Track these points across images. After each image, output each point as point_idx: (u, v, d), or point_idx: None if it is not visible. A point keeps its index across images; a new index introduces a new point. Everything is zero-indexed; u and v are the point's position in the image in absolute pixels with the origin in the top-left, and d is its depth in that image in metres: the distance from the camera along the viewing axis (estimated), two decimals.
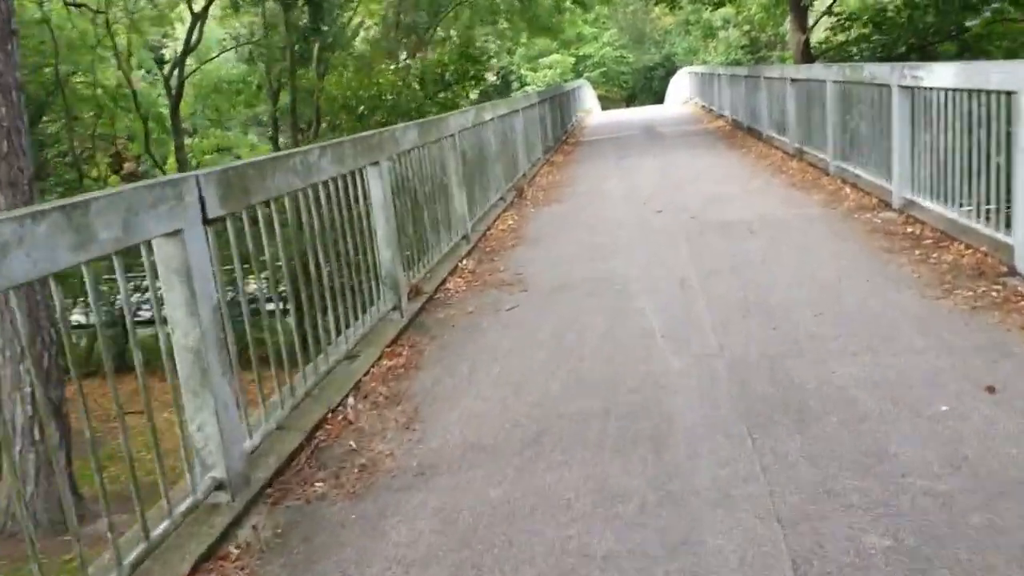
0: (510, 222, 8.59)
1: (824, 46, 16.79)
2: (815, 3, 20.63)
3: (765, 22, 22.11)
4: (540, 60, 46.38)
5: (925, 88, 5.89)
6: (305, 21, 16.71)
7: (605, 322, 4.75)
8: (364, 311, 4.61)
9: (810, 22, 16.37)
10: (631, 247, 6.75)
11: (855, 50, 15.16)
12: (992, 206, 4.93)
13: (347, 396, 3.89)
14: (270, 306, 3.72)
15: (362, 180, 4.84)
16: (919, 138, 6.14)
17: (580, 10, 26.86)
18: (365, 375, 4.16)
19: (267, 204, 3.47)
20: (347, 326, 4.32)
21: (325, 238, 4.09)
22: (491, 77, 48.16)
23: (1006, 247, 4.76)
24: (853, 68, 7.81)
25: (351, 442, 3.44)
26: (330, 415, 3.69)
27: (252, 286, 4.26)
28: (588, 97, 30.60)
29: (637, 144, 15.89)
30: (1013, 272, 4.59)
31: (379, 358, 4.40)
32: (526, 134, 12.15)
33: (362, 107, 17.29)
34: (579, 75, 46.84)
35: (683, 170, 11.14)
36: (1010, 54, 14.84)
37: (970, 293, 4.47)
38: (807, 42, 15.87)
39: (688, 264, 5.91)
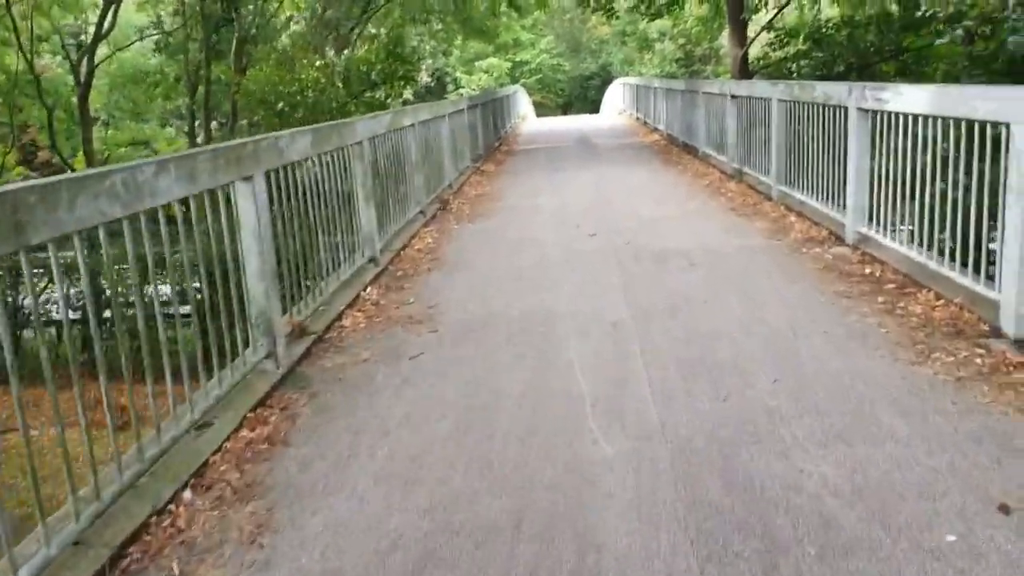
0: (429, 240, 7.74)
1: (762, 62, 16.39)
2: (753, 18, 20.37)
3: (702, 35, 21.77)
4: (476, 63, 45.60)
5: (890, 112, 5.27)
6: (220, 11, 15.55)
7: (526, 380, 3.95)
8: (223, 366, 3.71)
9: (748, 36, 15.94)
10: (561, 277, 5.98)
11: (794, 67, 14.77)
12: (970, 254, 4.30)
13: (184, 487, 2.99)
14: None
15: (229, 200, 3.95)
16: (880, 168, 5.53)
17: (516, 15, 26.14)
18: (215, 453, 3.26)
19: (68, 240, 2.57)
20: (211, 377, 3.43)
21: (166, 278, 3.19)
22: (425, 78, 47.20)
23: (988, 302, 4.13)
24: (803, 86, 7.20)
25: (173, 565, 2.54)
26: (155, 517, 2.79)
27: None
28: (523, 103, 29.93)
29: (571, 155, 15.22)
30: (997, 333, 3.96)
31: (238, 427, 3.51)
32: (454, 141, 11.32)
33: (281, 103, 16.23)
34: (515, 80, 46.23)
35: (618, 186, 10.46)
36: (948, 77, 14.68)
37: (951, 358, 3.82)
38: (745, 57, 15.45)
39: (623, 301, 5.16)
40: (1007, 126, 3.75)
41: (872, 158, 5.72)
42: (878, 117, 5.54)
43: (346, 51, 21.15)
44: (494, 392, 3.82)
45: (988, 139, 3.99)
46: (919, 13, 6.94)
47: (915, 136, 4.90)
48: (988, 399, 3.38)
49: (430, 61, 46.16)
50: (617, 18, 20.44)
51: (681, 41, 48.32)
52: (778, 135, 8.00)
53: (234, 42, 18.49)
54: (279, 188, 4.59)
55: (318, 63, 17.01)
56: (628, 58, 49.81)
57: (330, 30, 17.74)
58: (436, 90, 47.61)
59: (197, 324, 3.68)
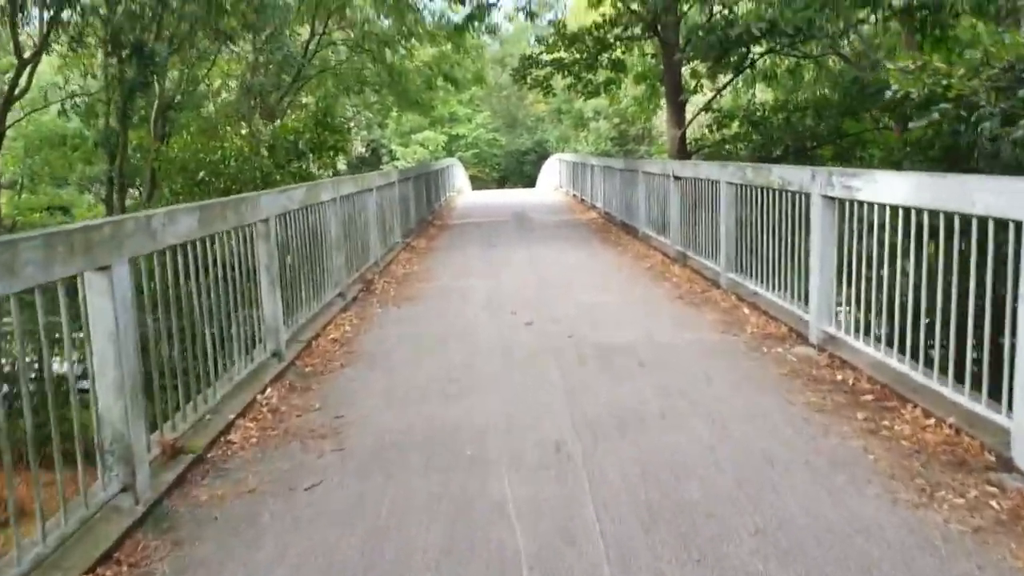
0: (347, 328, 6.92)
1: (700, 143, 16.27)
2: (691, 99, 20.48)
3: (638, 115, 21.77)
4: (412, 136, 45.43)
5: (861, 201, 4.76)
6: (135, 75, 14.70)
7: (446, 529, 3.14)
8: (58, 508, 2.83)
9: (686, 118, 15.81)
10: (493, 379, 5.22)
11: (731, 148, 14.63)
12: (967, 366, 3.71)
13: None
14: None
15: (79, 296, 3.13)
16: (849, 262, 4.98)
17: (453, 88, 26.00)
18: None
19: None
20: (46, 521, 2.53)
21: None
22: (360, 149, 46.78)
23: (993, 427, 3.53)
24: (757, 169, 6.73)
25: None
26: None
27: None
28: (459, 176, 29.57)
29: (506, 232, 14.66)
30: (1008, 465, 3.34)
31: None
32: (383, 215, 10.62)
33: (203, 172, 15.37)
34: (452, 154, 46.18)
35: (556, 268, 9.85)
36: (886, 163, 14.71)
37: (960, 500, 3.17)
38: (683, 138, 15.27)
39: (566, 412, 4.42)
40: (1019, 224, 3.20)
41: (839, 251, 5.19)
42: (847, 206, 5.03)
43: (276, 120, 20.46)
44: (404, 547, 3.00)
45: (990, 238, 3.43)
46: (888, 94, 6.56)
47: (893, 230, 4.36)
48: (1020, 560, 2.72)
49: (365, 132, 45.87)
50: (554, 95, 20.28)
51: (616, 120, 49.24)
52: (727, 220, 7.50)
53: (154, 108, 17.60)
54: (152, 277, 3.78)
55: (243, 131, 16.25)
56: (564, 135, 50.41)
57: (254, 98, 17.01)
58: (371, 161, 47.19)
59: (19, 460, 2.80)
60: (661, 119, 41.15)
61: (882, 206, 4.56)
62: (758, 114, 15.72)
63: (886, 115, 16.80)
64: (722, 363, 5.34)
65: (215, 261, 4.55)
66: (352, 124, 44.67)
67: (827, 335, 5.40)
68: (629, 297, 7.81)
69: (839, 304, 5.25)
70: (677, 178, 9.58)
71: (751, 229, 6.93)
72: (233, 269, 4.88)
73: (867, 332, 4.93)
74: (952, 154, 14.25)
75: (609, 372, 5.20)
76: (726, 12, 12.30)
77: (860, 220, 4.84)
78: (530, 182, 46.79)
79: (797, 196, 5.79)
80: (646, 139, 48.42)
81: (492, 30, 19.08)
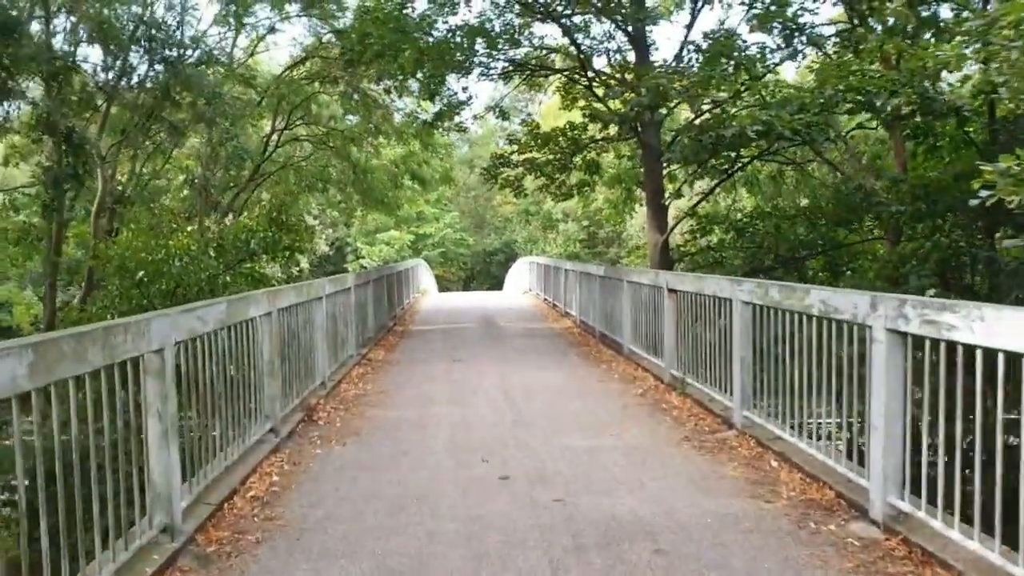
0: (275, 478, 5.49)
1: (682, 250, 15.31)
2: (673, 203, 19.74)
3: (612, 218, 20.95)
4: (378, 235, 44.51)
5: (955, 343, 3.55)
6: (68, 169, 13.47)
7: None
8: None
9: (668, 222, 14.88)
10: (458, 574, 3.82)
11: (717, 256, 13.65)
12: None
13: None
14: None
15: None
16: (932, 422, 3.74)
17: (420, 187, 25.13)
18: None
19: None
20: None
21: None
22: (324, 247, 45.68)
23: None
24: (786, 290, 5.54)
25: None
26: None
27: None
28: (425, 277, 28.43)
29: (474, 341, 13.36)
30: None
31: None
32: (333, 328, 9.29)
33: (142, 272, 14.01)
34: (418, 253, 45.25)
35: (533, 394, 8.52)
36: (882, 277, 13.81)
37: None
38: (666, 244, 14.28)
39: None
40: None
41: (913, 404, 3.96)
42: (927, 346, 3.82)
43: (232, 218, 19.27)
44: None
45: None
46: (976, 200, 5.46)
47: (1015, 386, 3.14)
48: None
49: (330, 231, 44.89)
50: (525, 196, 19.39)
51: (585, 222, 48.92)
52: (743, 347, 6.29)
53: (96, 201, 16.32)
54: None
55: (189, 229, 14.99)
56: (532, 236, 49.84)
57: (205, 194, 15.76)
58: (335, 260, 46.06)
59: None
60: (632, 223, 40.78)
61: (989, 351, 3.35)
62: (743, 221, 14.85)
63: (874, 226, 16.10)
64: (766, 554, 3.98)
65: (63, 420, 3.17)
66: (317, 222, 43.76)
67: (896, 510, 4.11)
68: (627, 439, 6.47)
69: (922, 476, 3.97)
70: (672, 291, 8.43)
71: (776, 361, 5.71)
72: (107, 419, 3.50)
73: (960, 512, 3.66)
74: (946, 267, 13.47)
75: (620, 570, 3.82)
76: (718, 111, 11.43)
77: (953, 368, 3.63)
78: (497, 283, 45.86)
79: (848, 327, 4.59)
80: (616, 242, 48.04)
81: (462, 128, 18.24)
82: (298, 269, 43.00)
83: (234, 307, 5.42)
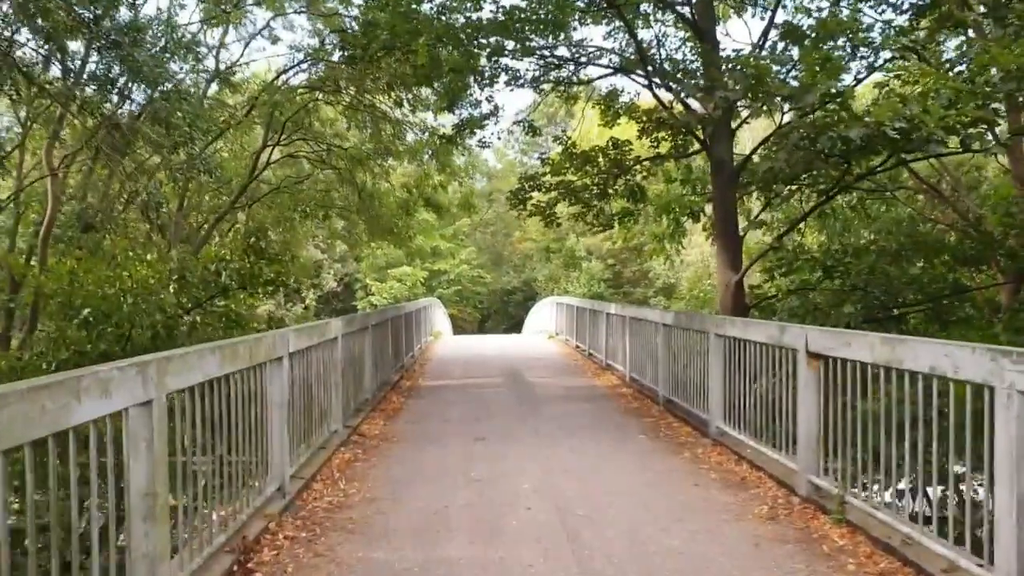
0: None
1: (758, 292, 12.36)
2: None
3: (658, 253, 18.08)
4: (389, 271, 41.76)
5: None
6: None
7: None
8: None
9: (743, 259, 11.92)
10: None
11: (815, 301, 10.68)
12: None
13: None
14: None
15: None
16: None
17: (435, 215, 22.36)
18: None
19: None
20: None
21: None
22: (332, 283, 42.98)
23: None
24: None
25: None
26: None
27: None
28: (438, 318, 25.53)
29: (500, 406, 10.42)
30: None
31: None
32: (304, 398, 6.43)
33: (88, 310, 11.22)
34: (432, 291, 42.48)
35: (601, 514, 5.55)
36: (1010, 329, 10.81)
37: None
38: (741, 285, 11.34)
39: None
40: None
41: None
42: None
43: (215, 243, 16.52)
44: None
45: None
46: None
47: None
48: None
49: (339, 266, 42.24)
50: (558, 226, 16.54)
51: (611, 261, 46.05)
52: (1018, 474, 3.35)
53: (43, 225, 13.58)
54: None
55: (149, 258, 12.20)
56: (553, 275, 46.96)
57: (142, 213, 12.84)
58: (344, 297, 43.38)
59: None
60: (659, 261, 37.83)
61: None
62: (835, 258, 11.90)
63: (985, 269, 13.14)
64: None
65: None
66: (324, 256, 41.13)
67: None
68: None
69: None
70: (817, 356, 5.48)
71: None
72: None
73: None
74: None
75: None
76: (834, 107, 8.50)
77: None
78: (515, 324, 42.90)
79: None
80: (642, 282, 45.10)
81: (485, 144, 15.51)
82: (303, 307, 40.45)
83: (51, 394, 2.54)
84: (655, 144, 14.81)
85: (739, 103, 9.56)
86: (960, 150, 7.92)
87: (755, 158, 10.82)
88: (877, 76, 10.08)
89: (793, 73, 9.33)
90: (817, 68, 8.18)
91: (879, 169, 9.72)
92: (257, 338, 5.04)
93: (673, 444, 7.84)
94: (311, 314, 37.96)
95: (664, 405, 9.74)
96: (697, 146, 13.17)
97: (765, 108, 8.80)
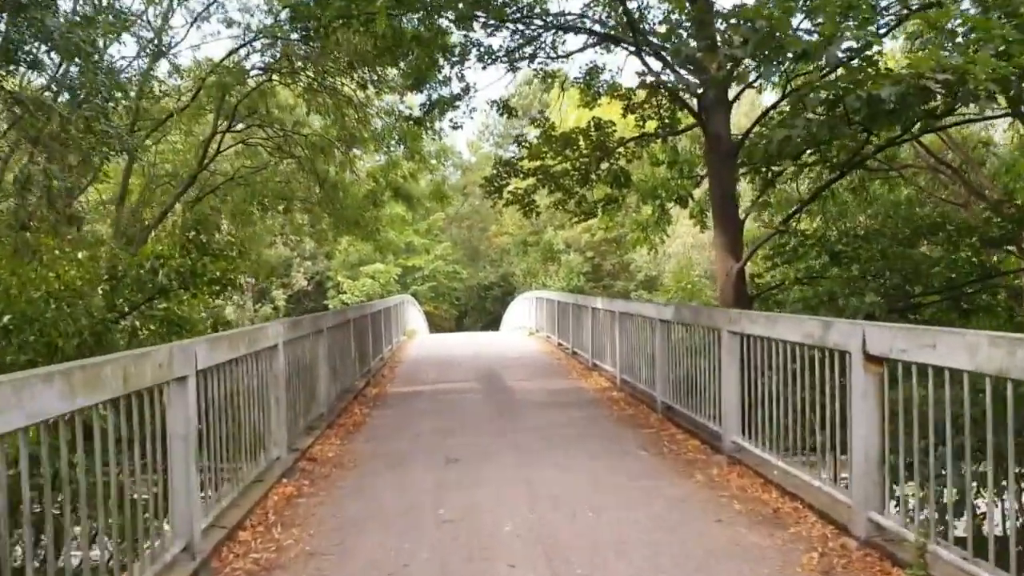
0: None
1: (759, 282, 11.18)
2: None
3: (640, 243, 16.86)
4: (361, 268, 40.30)
5: None
6: None
7: None
8: None
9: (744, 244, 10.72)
10: None
11: (829, 289, 9.51)
12: None
13: None
14: None
15: None
16: None
17: (405, 207, 20.96)
18: None
19: None
20: None
21: None
22: (303, 282, 41.45)
23: None
24: None
25: None
26: None
27: None
28: (412, 316, 24.20)
29: (477, 416, 9.17)
30: None
31: None
32: (224, 422, 5.16)
33: (8, 316, 9.85)
34: (406, 287, 41.09)
35: (600, 555, 4.34)
36: None
37: None
38: (742, 274, 10.15)
39: None
40: None
41: None
42: None
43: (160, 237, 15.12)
44: None
45: None
46: None
47: None
48: None
49: (309, 263, 40.73)
50: (538, 215, 15.29)
51: (589, 254, 44.86)
52: None
53: None
54: None
55: (81, 255, 10.83)
56: (531, 269, 45.68)
57: (16, 196, 11.24)
58: (315, 296, 41.87)
59: None
60: (642, 251, 36.71)
61: None
62: (843, 243, 10.75)
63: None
64: None
65: None
66: (294, 254, 39.57)
67: None
68: None
69: None
70: (879, 360, 4.28)
71: None
72: None
73: None
74: None
75: None
76: (860, 63, 7.28)
77: None
78: (493, 321, 41.58)
79: None
80: (623, 274, 43.94)
81: (457, 126, 14.24)
82: (272, 307, 38.89)
83: None
84: (641, 123, 13.63)
85: (743, 65, 8.33)
86: (1007, 111, 6.78)
87: (758, 133, 9.62)
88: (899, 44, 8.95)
89: (806, 25, 8.12)
90: (838, 17, 6.99)
91: (898, 140, 8.55)
92: (141, 354, 3.75)
93: (681, 462, 6.63)
94: (280, 315, 36.45)
95: (663, 413, 8.54)
96: (690, 121, 12.00)
97: (775, 69, 7.60)
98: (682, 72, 9.76)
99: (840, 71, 7.21)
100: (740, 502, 5.41)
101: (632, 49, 10.63)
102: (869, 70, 6.88)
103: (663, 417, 8.46)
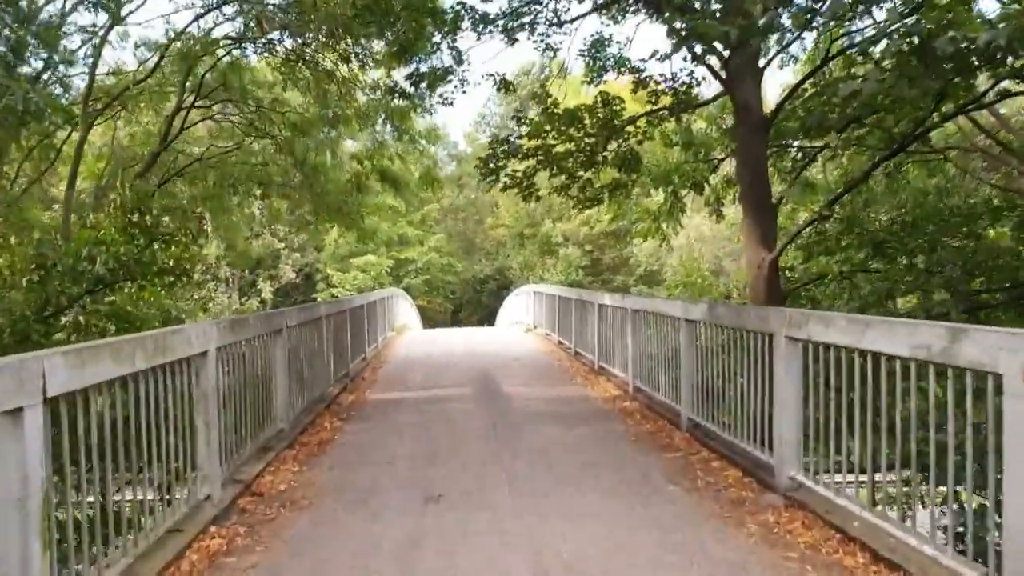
0: None
1: (791, 276, 9.77)
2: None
3: (651, 233, 15.49)
4: (352, 260, 38.83)
5: None
6: None
7: None
8: None
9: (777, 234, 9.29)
10: None
11: (881, 286, 8.10)
12: None
13: None
14: None
15: None
16: None
17: (393, 192, 19.49)
18: None
19: None
20: None
21: None
22: (291, 274, 39.97)
23: None
24: None
25: None
26: None
27: None
28: (403, 311, 22.77)
29: (467, 435, 7.75)
30: None
31: None
32: (103, 459, 3.75)
33: None
34: (399, 280, 39.68)
35: None
36: None
37: None
38: (775, 266, 8.74)
39: None
40: None
41: None
42: None
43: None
44: None
45: None
46: None
47: None
48: None
49: (297, 255, 39.25)
50: (538, 199, 13.87)
51: (588, 247, 43.47)
52: None
53: None
54: None
55: (13, 240, 9.41)
56: (528, 262, 44.28)
57: None
58: (304, 289, 40.39)
59: None
60: (646, 245, 35.32)
61: None
62: (888, 233, 9.32)
63: None
64: None
65: None
66: (282, 245, 38.10)
67: None
68: None
69: None
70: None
71: None
72: None
73: None
74: None
75: None
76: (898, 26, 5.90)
77: None
78: (488, 315, 40.17)
79: None
80: (623, 269, 42.52)
81: (448, 102, 12.80)
82: (259, 300, 37.40)
83: None
84: (653, 99, 12.22)
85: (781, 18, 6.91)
86: None
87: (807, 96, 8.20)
88: None
89: None
90: None
91: (969, 108, 7.13)
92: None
93: (724, 503, 5.22)
94: (268, 307, 35.02)
95: (689, 431, 7.14)
96: (709, 95, 10.59)
97: (841, 16, 6.18)
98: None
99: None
100: (816, 569, 4.01)
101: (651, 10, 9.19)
102: (961, 8, 5.46)
103: (690, 436, 7.06)
